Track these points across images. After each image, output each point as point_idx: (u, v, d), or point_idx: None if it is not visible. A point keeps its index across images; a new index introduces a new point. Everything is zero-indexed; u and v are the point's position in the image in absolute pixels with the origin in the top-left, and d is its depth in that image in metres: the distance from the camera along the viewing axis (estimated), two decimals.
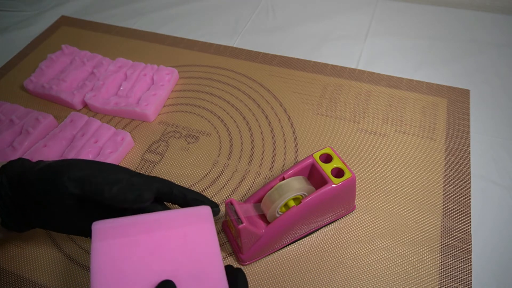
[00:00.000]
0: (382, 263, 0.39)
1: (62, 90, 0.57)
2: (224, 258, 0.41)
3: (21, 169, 0.34)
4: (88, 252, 0.42)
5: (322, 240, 0.41)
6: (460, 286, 0.38)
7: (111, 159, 0.47)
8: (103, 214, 0.31)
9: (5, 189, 0.33)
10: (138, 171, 0.49)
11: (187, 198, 0.35)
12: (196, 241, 0.30)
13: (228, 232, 0.42)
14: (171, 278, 0.27)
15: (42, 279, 0.40)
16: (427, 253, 0.40)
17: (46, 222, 0.34)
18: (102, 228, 0.30)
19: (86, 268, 0.41)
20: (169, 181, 0.35)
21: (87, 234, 0.34)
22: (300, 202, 0.36)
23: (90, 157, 0.48)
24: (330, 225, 0.42)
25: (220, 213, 0.44)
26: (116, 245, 0.29)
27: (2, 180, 0.33)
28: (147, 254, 0.29)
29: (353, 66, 0.61)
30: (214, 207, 0.35)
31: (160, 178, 0.35)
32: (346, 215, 0.43)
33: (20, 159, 0.35)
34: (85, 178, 0.31)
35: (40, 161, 0.35)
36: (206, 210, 0.32)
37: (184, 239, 0.30)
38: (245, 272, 0.39)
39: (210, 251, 0.29)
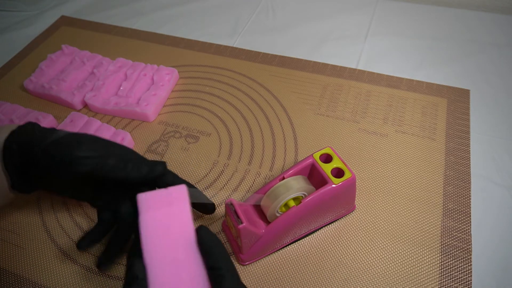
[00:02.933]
0: (382, 263, 0.39)
1: (62, 90, 0.57)
2: None
3: (30, 139, 0.34)
4: (88, 252, 0.42)
5: (322, 240, 0.41)
6: (460, 286, 0.38)
7: None
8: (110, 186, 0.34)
9: (15, 155, 0.34)
10: None
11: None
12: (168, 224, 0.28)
13: (228, 232, 0.42)
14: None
15: (42, 279, 0.40)
16: (427, 253, 0.40)
17: (54, 188, 0.36)
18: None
19: (86, 268, 0.41)
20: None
21: (92, 201, 0.38)
22: (300, 202, 0.36)
23: None
24: (330, 225, 0.42)
25: (220, 213, 0.44)
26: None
27: (13, 146, 0.34)
28: None
29: (353, 66, 0.61)
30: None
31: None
32: (346, 215, 0.43)
33: (29, 124, 0.36)
34: (95, 158, 0.33)
35: (52, 131, 0.35)
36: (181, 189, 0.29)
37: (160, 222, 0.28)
38: (245, 272, 0.39)
39: (182, 236, 0.28)
